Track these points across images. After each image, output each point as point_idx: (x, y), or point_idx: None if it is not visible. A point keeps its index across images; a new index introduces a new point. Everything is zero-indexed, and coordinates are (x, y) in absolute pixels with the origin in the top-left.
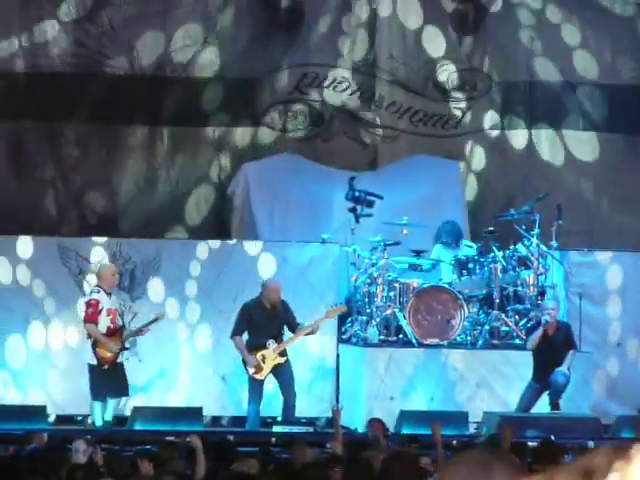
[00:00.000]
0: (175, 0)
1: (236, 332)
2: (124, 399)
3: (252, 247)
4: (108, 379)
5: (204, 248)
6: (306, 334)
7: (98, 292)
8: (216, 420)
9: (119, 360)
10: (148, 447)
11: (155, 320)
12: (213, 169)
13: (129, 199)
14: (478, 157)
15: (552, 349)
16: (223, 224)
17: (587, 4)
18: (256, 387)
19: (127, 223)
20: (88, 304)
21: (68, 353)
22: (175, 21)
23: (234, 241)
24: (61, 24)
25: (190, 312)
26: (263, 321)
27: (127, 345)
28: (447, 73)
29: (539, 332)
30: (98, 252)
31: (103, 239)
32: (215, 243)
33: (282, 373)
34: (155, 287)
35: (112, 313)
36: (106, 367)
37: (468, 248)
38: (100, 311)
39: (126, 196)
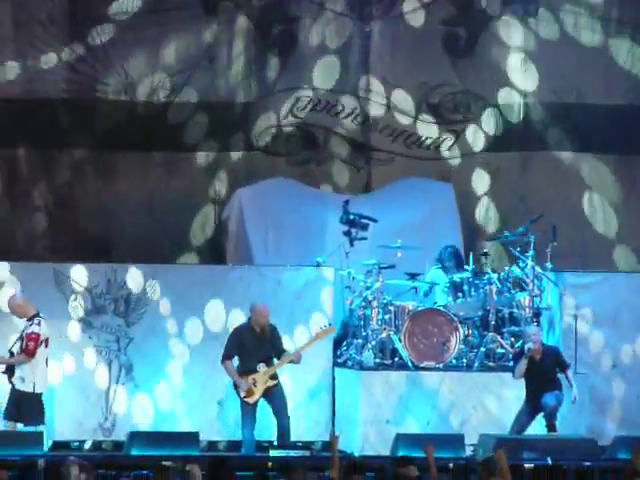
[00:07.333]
0: (168, 25)
1: (226, 356)
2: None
3: (246, 271)
4: None
5: (199, 273)
6: (289, 362)
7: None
8: (213, 445)
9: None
10: (144, 472)
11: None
12: (207, 194)
13: (124, 225)
14: (472, 178)
15: (541, 373)
16: (218, 249)
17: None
18: (249, 411)
19: (122, 249)
20: None
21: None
22: (168, 46)
23: (229, 265)
24: (55, 51)
25: (186, 337)
26: (253, 345)
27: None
28: (440, 96)
29: (524, 362)
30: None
31: (98, 265)
32: (210, 268)
33: (274, 397)
34: (151, 313)
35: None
36: None
37: (463, 270)
38: None
39: (121, 222)
